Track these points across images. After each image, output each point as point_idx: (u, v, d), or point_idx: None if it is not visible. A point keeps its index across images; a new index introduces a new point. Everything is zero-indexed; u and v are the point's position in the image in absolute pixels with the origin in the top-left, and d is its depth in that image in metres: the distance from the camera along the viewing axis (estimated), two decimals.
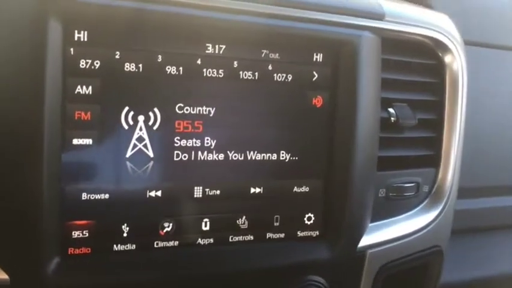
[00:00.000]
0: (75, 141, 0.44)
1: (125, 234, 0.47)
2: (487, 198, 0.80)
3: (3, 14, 0.41)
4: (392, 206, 0.60)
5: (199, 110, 0.47)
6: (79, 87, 0.43)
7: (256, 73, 0.49)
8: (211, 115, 0.48)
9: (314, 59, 0.51)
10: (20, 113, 0.41)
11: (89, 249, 0.46)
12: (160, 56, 0.45)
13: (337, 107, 0.53)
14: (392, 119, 0.57)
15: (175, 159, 0.47)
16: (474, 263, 0.81)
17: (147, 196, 0.47)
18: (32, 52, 0.41)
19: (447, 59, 0.61)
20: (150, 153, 0.46)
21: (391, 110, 0.58)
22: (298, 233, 0.54)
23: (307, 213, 0.54)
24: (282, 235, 0.53)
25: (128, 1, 0.43)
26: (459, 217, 0.66)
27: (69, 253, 0.45)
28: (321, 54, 0.52)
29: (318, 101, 0.52)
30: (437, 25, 0.60)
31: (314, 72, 0.52)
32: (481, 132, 0.77)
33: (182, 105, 0.47)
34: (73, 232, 0.45)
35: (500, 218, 0.83)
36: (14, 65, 0.41)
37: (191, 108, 0.47)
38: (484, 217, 0.81)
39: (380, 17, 0.54)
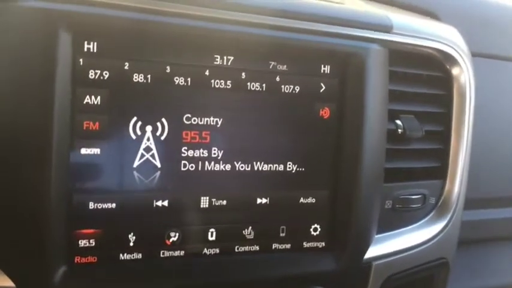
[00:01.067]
0: (83, 151, 0.44)
1: (131, 244, 0.47)
2: (493, 209, 0.80)
3: (14, 25, 0.41)
4: (399, 217, 0.60)
5: (207, 121, 0.48)
6: (88, 97, 0.44)
7: (264, 84, 0.49)
8: (218, 126, 0.48)
9: (322, 71, 0.52)
10: (29, 123, 0.42)
11: (96, 258, 0.46)
12: (168, 67, 0.46)
13: (345, 118, 0.53)
14: (399, 130, 0.58)
15: (182, 169, 0.47)
16: (480, 273, 0.81)
17: (154, 206, 0.47)
18: (42, 62, 0.41)
19: (455, 71, 0.61)
20: (158, 163, 0.47)
21: (398, 121, 0.58)
22: (304, 243, 0.54)
23: (314, 224, 0.54)
24: (288, 246, 0.53)
25: (137, 13, 0.44)
26: (465, 228, 0.66)
27: (75, 262, 0.45)
28: (329, 66, 0.52)
29: (325, 113, 0.52)
30: (445, 37, 0.60)
31: (322, 84, 0.52)
32: (488, 142, 0.77)
33: (190, 115, 0.47)
34: (80, 241, 0.45)
35: (506, 229, 0.83)
36: (25, 75, 0.41)
37: (199, 119, 0.47)
38: (490, 228, 0.81)
39: (388, 29, 0.54)
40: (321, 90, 0.52)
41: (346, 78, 0.52)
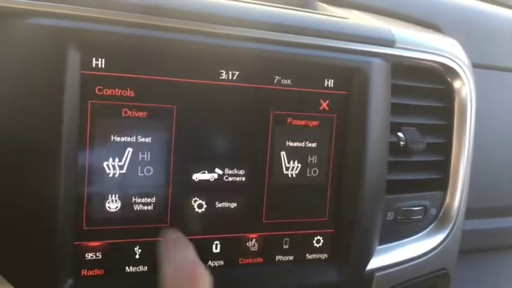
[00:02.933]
0: (90, 167, 0.45)
1: (137, 256, 0.47)
2: (494, 218, 0.81)
3: (23, 42, 0.42)
4: (400, 229, 0.60)
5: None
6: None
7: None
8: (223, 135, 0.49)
9: (325, 85, 0.52)
10: (38, 138, 0.42)
11: (102, 270, 0.46)
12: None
13: (347, 132, 0.53)
14: (401, 143, 0.58)
15: (189, 181, 0.48)
16: (481, 282, 0.81)
17: (160, 219, 0.48)
18: (51, 79, 0.42)
19: (456, 84, 0.62)
20: (162, 176, 0.47)
21: (400, 134, 0.58)
22: (307, 255, 0.54)
23: (316, 236, 0.54)
24: (291, 258, 0.54)
25: (143, 29, 0.44)
26: (466, 237, 0.66)
27: (82, 274, 0.46)
28: (332, 81, 0.52)
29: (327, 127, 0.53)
30: (446, 50, 0.60)
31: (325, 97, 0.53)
32: (489, 152, 0.77)
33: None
34: (86, 254, 0.46)
35: (507, 238, 0.84)
36: (33, 92, 0.42)
37: None
38: (491, 237, 0.82)
39: (391, 43, 0.55)
40: (325, 103, 0.53)
41: (349, 92, 0.53)
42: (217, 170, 0.49)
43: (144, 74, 0.45)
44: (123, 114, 0.45)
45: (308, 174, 0.53)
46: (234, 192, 0.50)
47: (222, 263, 0.51)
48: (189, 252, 0.41)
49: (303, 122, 0.52)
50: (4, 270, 0.43)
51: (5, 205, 0.43)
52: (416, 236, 0.62)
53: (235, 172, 0.50)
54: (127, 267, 0.47)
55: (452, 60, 0.61)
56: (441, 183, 0.63)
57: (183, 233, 0.49)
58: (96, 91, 0.44)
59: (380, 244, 0.58)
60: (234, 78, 0.49)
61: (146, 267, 0.48)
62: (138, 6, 0.44)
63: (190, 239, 0.49)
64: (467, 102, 0.62)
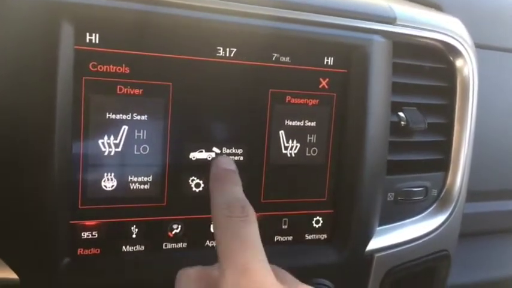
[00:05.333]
0: (85, 143, 0.44)
1: (134, 236, 0.47)
2: (495, 201, 0.80)
3: (16, 17, 0.41)
4: (401, 209, 0.60)
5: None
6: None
7: None
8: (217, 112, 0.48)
9: (325, 63, 0.51)
10: (31, 115, 0.41)
11: (99, 250, 0.46)
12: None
13: (347, 110, 0.52)
14: (402, 123, 0.57)
15: (185, 161, 0.48)
16: (482, 265, 0.81)
17: (156, 198, 0.47)
18: (44, 54, 0.41)
19: (458, 63, 0.61)
20: (159, 155, 0.47)
21: (401, 114, 0.58)
22: (306, 236, 0.54)
23: (316, 217, 0.54)
24: (290, 238, 0.53)
25: (139, 3, 0.43)
26: (467, 220, 0.66)
27: (78, 253, 0.45)
28: (332, 58, 0.51)
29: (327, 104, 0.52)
30: (448, 29, 0.59)
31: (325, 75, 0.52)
32: (491, 135, 0.76)
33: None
34: (82, 233, 0.45)
35: (508, 222, 0.83)
36: (26, 66, 0.41)
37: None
38: (492, 220, 0.81)
39: (392, 20, 0.54)
40: (325, 82, 0.52)
41: (349, 70, 0.52)
42: (215, 149, 0.49)
43: (140, 50, 0.45)
44: (118, 91, 0.44)
45: (307, 154, 0.52)
46: None
47: None
48: (239, 190, 0.40)
49: (302, 101, 0.51)
50: (0, 251, 0.43)
51: None
52: (417, 217, 0.61)
53: (233, 151, 0.49)
54: (123, 247, 0.47)
55: (454, 38, 0.59)
56: (442, 164, 0.62)
57: (180, 213, 0.48)
58: (91, 67, 0.43)
59: (380, 225, 0.57)
60: (232, 55, 0.48)
61: (143, 247, 0.47)
62: None
63: (187, 219, 0.49)
64: (470, 81, 0.61)
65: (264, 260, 0.35)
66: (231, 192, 0.39)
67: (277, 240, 0.53)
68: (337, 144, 0.53)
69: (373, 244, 0.56)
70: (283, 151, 0.51)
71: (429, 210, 0.62)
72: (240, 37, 0.47)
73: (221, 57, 0.47)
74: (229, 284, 0.34)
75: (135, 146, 0.46)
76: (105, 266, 0.46)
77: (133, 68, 0.44)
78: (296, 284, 0.38)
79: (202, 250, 0.49)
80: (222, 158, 0.44)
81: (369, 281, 0.58)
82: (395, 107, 0.57)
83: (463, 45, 0.60)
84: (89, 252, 0.46)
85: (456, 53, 0.60)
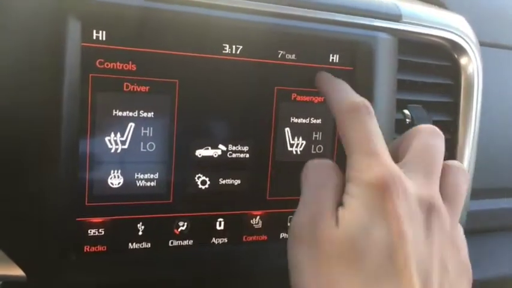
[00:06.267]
0: (91, 139, 0.44)
1: (140, 233, 0.47)
2: (500, 199, 0.80)
3: (23, 12, 0.41)
4: None
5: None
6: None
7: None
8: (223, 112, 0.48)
9: (330, 60, 0.51)
10: (37, 109, 0.42)
11: (105, 247, 0.46)
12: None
13: None
14: (407, 120, 0.57)
15: (191, 159, 0.48)
16: (486, 262, 0.81)
17: (163, 195, 0.47)
18: (51, 51, 0.41)
19: (463, 60, 0.61)
20: (164, 152, 0.47)
21: (406, 111, 0.58)
22: None
23: None
24: None
25: (146, 0, 0.43)
26: (471, 217, 0.66)
27: (85, 251, 0.45)
28: (338, 55, 0.51)
29: None
30: (453, 26, 0.59)
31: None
32: (495, 132, 0.76)
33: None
34: (89, 230, 0.45)
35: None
36: (34, 63, 0.41)
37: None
38: (496, 218, 0.81)
39: (397, 18, 0.54)
40: None
41: (355, 67, 0.52)
42: (221, 146, 0.49)
43: (146, 48, 0.45)
44: (125, 89, 0.44)
45: (313, 151, 0.52)
46: (238, 168, 0.50)
47: (225, 240, 0.50)
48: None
49: (307, 98, 0.51)
50: (6, 247, 0.43)
51: (6, 181, 0.42)
52: None
53: (239, 148, 0.49)
54: (130, 244, 0.47)
55: (459, 36, 0.59)
56: None
57: (186, 210, 0.48)
58: (97, 64, 0.43)
59: None
60: (238, 52, 0.48)
61: (149, 244, 0.47)
62: None
63: (194, 216, 0.49)
64: (474, 79, 0.61)
65: (387, 150, 0.39)
66: (347, 90, 0.44)
67: (283, 238, 0.53)
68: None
69: None
70: (289, 148, 0.51)
71: None
72: (246, 34, 0.47)
73: (227, 54, 0.47)
74: (356, 164, 0.38)
75: (142, 143, 0.46)
76: (111, 263, 0.46)
77: (139, 65, 0.45)
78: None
79: (208, 247, 0.50)
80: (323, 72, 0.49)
81: None
82: (400, 105, 0.57)
83: (467, 42, 0.61)
84: (96, 249, 0.46)
85: (461, 50, 0.60)
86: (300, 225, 0.39)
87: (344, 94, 0.43)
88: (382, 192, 0.35)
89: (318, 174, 0.41)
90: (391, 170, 0.36)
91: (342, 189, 0.39)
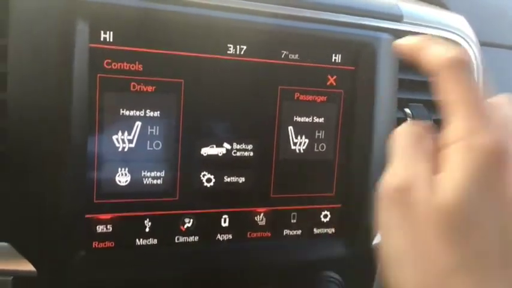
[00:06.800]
0: (99, 139, 0.45)
1: (147, 230, 0.48)
2: None
3: (33, 13, 0.42)
4: None
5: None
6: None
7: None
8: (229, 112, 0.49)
9: (333, 60, 0.52)
10: (47, 109, 0.43)
11: (113, 243, 0.47)
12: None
13: (355, 107, 0.53)
14: (408, 119, 0.58)
15: (197, 157, 0.49)
16: None
17: (169, 193, 0.48)
18: (60, 52, 0.42)
19: None
20: (170, 150, 0.48)
21: (407, 110, 0.58)
22: (315, 230, 0.55)
23: (324, 211, 0.55)
24: (299, 232, 0.54)
25: (152, 2, 0.44)
26: None
27: (93, 247, 0.46)
28: (340, 56, 0.52)
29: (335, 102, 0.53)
30: (454, 26, 0.60)
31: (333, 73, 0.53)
32: None
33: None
34: (97, 226, 0.46)
35: None
36: (43, 64, 0.42)
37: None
38: None
39: (398, 18, 0.55)
40: (332, 79, 0.53)
41: (357, 67, 0.53)
42: (226, 145, 0.50)
43: (152, 48, 0.46)
44: (132, 88, 0.45)
45: (315, 150, 0.53)
46: (242, 166, 0.51)
47: (230, 236, 0.51)
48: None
49: (310, 97, 0.52)
50: (16, 243, 0.44)
51: (16, 178, 0.43)
52: None
53: (243, 147, 0.50)
54: (137, 240, 0.48)
55: (459, 36, 0.60)
56: None
57: (192, 207, 0.49)
58: (105, 64, 0.44)
59: None
60: (242, 52, 0.49)
61: (156, 240, 0.48)
62: None
63: (199, 213, 0.50)
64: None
65: None
66: (441, 42, 0.38)
67: (286, 234, 0.54)
68: (345, 140, 0.54)
69: None
70: (292, 147, 0.52)
71: None
72: (250, 35, 0.48)
73: (232, 54, 0.48)
74: (462, 126, 0.32)
75: (148, 141, 0.47)
76: (119, 258, 0.47)
77: (146, 65, 0.46)
78: None
79: (213, 243, 0.51)
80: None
81: (376, 274, 0.58)
82: (401, 104, 0.58)
83: (467, 42, 0.61)
84: (104, 245, 0.47)
85: None
86: (395, 187, 0.34)
87: (441, 47, 0.37)
88: (496, 161, 0.31)
89: (410, 136, 0.36)
90: (503, 135, 0.31)
91: (436, 154, 0.34)
